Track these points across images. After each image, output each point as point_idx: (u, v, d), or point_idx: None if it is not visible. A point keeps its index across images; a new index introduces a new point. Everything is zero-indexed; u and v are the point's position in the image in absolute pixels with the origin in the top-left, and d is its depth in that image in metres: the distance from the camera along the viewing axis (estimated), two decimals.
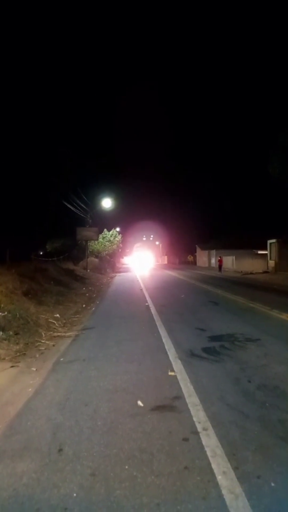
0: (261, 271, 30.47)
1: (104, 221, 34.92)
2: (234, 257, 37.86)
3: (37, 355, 5.50)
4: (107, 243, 35.03)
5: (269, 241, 30.66)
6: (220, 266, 33.41)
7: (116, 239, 36.50)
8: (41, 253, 30.47)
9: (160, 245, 71.11)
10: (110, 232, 36.06)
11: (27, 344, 6.03)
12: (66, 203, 23.30)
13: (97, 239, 31.43)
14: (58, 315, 8.50)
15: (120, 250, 38.42)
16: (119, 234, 37.40)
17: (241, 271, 32.09)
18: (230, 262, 37.98)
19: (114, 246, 36.14)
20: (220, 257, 35.70)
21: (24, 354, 5.53)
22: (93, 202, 30.25)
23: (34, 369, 4.82)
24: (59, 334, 6.96)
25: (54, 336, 6.71)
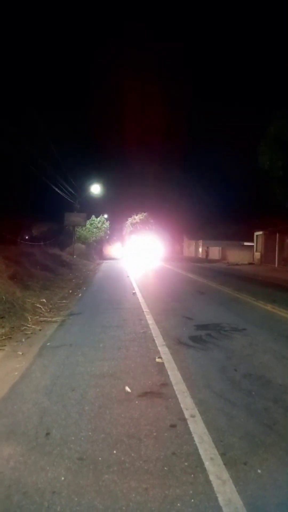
0: (246, 262, 30.79)
1: (92, 208, 34.64)
2: (220, 248, 38.13)
3: (23, 339, 5.44)
4: (94, 229, 34.79)
5: (255, 233, 30.91)
6: (206, 257, 33.63)
7: (104, 226, 36.25)
8: (26, 237, 30.07)
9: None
10: (98, 219, 35.78)
11: (13, 328, 5.96)
12: (53, 186, 22.92)
13: (85, 225, 31.19)
14: (44, 300, 8.42)
15: (107, 237, 38.17)
16: (107, 221, 37.15)
17: (227, 262, 32.35)
18: (216, 252, 38.23)
19: (102, 233, 35.92)
20: (207, 247, 35.91)
21: (10, 338, 5.48)
22: (81, 188, 29.91)
23: (20, 353, 4.78)
24: (45, 318, 6.90)
25: (41, 321, 6.66)
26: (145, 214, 33.75)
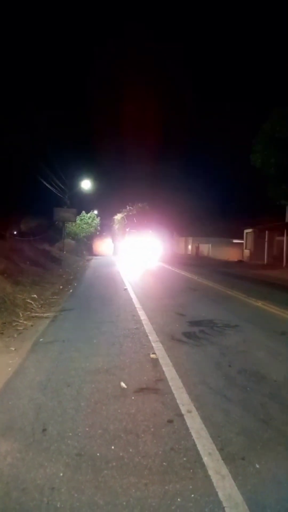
0: (236, 259, 30.99)
1: (83, 203, 34.42)
2: (210, 245, 38.31)
3: (15, 335, 5.39)
4: (84, 225, 34.61)
5: (245, 231, 31.14)
6: (197, 254, 33.78)
7: (94, 221, 36.10)
8: (15, 232, 29.71)
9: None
10: (88, 215, 35.61)
11: (4, 323, 5.89)
12: (43, 180, 22.68)
13: (75, 221, 30.97)
14: (35, 295, 8.34)
15: (98, 233, 38.01)
16: (97, 217, 36.98)
17: (217, 259, 32.53)
18: (206, 249, 38.41)
19: (92, 229, 35.77)
20: (197, 244, 36.05)
21: (2, 333, 5.42)
22: (72, 183, 29.65)
23: (13, 348, 4.72)
24: (36, 314, 6.84)
25: (32, 317, 6.59)
26: (144, 204, 28.49)
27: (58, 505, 1.93)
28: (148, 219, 26.49)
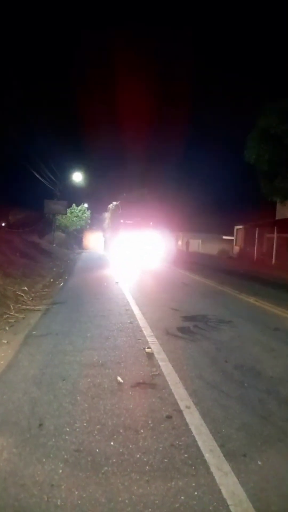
0: (226, 256, 31.10)
1: (74, 196, 34.10)
2: (200, 241, 38.40)
3: (7, 328, 5.28)
4: (75, 218, 34.34)
5: (236, 227, 31.22)
6: (187, 249, 33.85)
7: (85, 215, 35.84)
8: (3, 224, 29.35)
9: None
10: (79, 207, 35.33)
11: None
12: (33, 171, 22.38)
13: (66, 213, 30.70)
14: (26, 288, 8.19)
15: (88, 227, 37.75)
16: (87, 210, 36.71)
17: (207, 255, 32.61)
18: (196, 245, 38.49)
19: (82, 222, 35.53)
20: (187, 240, 36.11)
21: None
22: (62, 174, 29.32)
23: (5, 341, 4.62)
24: (28, 307, 6.72)
25: (23, 309, 6.48)
26: (144, 190, 23.19)
27: (59, 503, 1.87)
28: (148, 209, 21.33)
